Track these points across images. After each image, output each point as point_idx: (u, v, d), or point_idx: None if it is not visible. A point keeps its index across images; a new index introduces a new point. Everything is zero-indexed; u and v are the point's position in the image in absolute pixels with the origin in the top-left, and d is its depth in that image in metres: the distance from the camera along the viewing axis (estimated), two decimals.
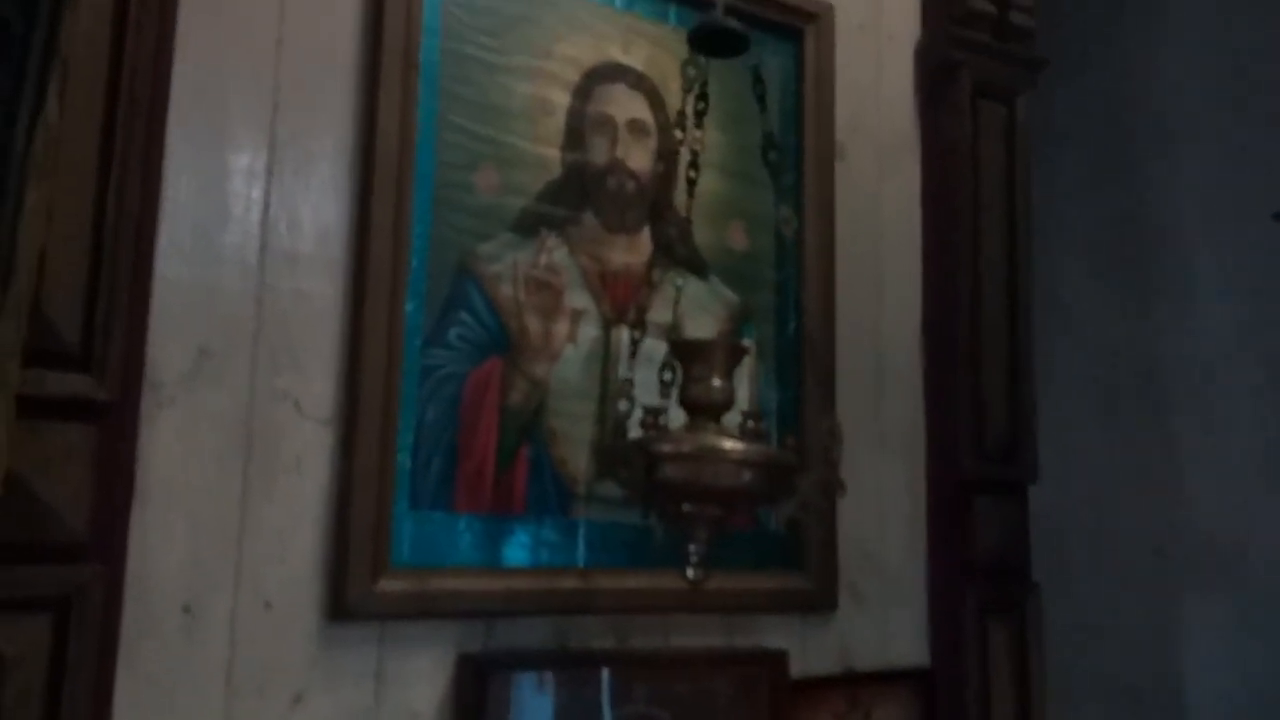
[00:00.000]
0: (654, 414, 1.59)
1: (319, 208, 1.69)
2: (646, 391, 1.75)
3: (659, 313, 1.94)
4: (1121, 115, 2.81)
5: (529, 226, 1.88)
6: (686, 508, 1.54)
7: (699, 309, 2.04)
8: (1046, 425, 2.43)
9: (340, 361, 1.67)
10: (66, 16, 1.25)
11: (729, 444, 1.51)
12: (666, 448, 1.51)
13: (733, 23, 1.65)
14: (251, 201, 1.63)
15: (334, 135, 1.71)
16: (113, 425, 1.44)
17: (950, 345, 2.31)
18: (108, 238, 1.42)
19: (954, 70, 2.33)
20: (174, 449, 1.52)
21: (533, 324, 1.86)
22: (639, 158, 2.01)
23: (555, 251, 1.90)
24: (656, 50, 2.04)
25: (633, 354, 1.67)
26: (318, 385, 1.65)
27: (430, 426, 1.74)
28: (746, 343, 2.08)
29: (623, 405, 1.62)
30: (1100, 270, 2.76)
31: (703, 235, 2.03)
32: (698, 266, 2.05)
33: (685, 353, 1.62)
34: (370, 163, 1.70)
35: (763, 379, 2.10)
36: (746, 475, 1.51)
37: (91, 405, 1.40)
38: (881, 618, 2.21)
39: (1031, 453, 2.36)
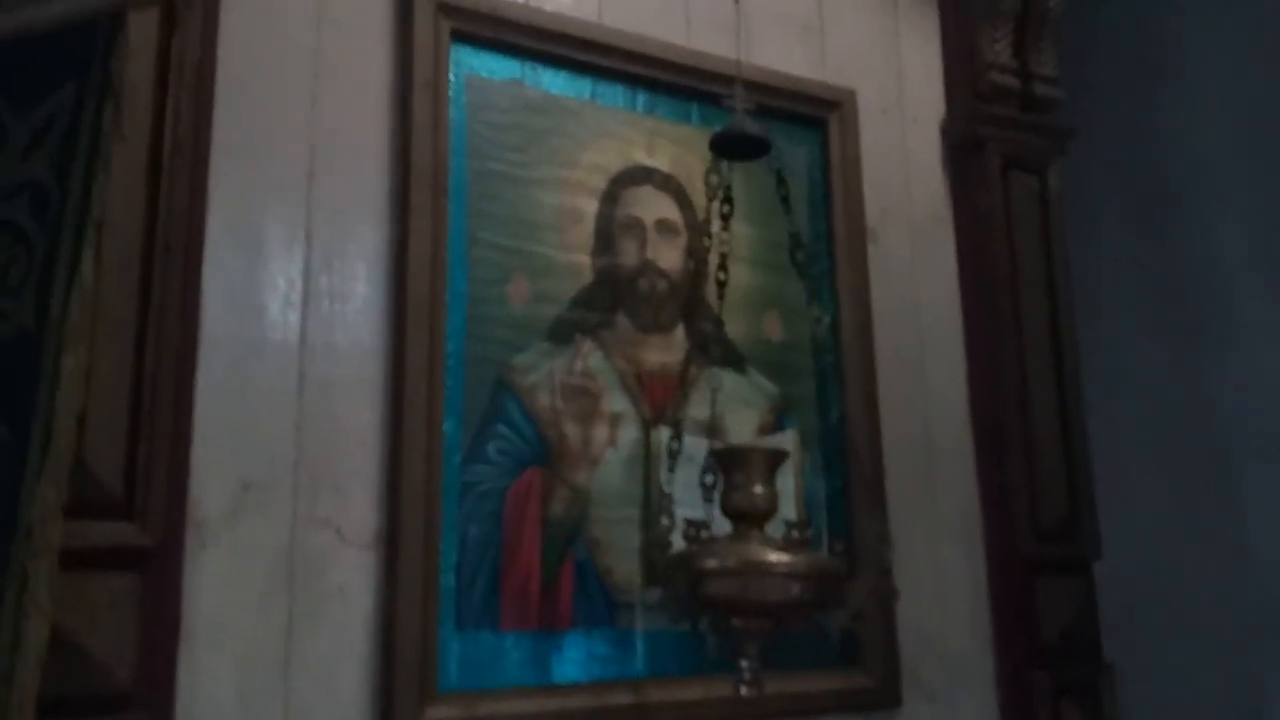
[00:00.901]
0: (697, 526, 1.55)
1: (355, 333, 1.70)
2: (689, 492, 1.72)
3: (699, 409, 1.91)
4: (1155, 171, 2.76)
5: (563, 334, 1.88)
6: (735, 622, 1.49)
7: (739, 403, 2.02)
8: (1107, 494, 2.35)
9: (380, 485, 1.67)
10: (101, 179, 1.28)
11: (775, 556, 1.47)
12: (711, 563, 1.47)
13: (753, 127, 1.65)
14: (288, 331, 1.65)
15: (366, 261, 1.73)
16: (157, 571, 1.44)
17: (999, 423, 2.25)
18: (147, 384, 1.44)
19: (981, 146, 2.31)
20: (218, 588, 1.52)
21: (571, 431, 1.85)
22: (669, 257, 2.01)
23: (590, 356, 1.90)
24: (681, 150, 2.05)
25: (671, 467, 1.65)
26: (359, 510, 1.65)
27: (473, 544, 1.72)
28: (788, 434, 2.05)
29: (664, 521, 1.59)
30: (1152, 328, 2.69)
31: (738, 328, 2.02)
32: (734, 360, 2.03)
33: (725, 460, 1.59)
34: (403, 286, 1.72)
35: (807, 469, 2.06)
36: (795, 588, 1.47)
37: (135, 552, 1.41)
38: (949, 712, 2.12)
39: (1093, 528, 2.28)
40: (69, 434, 1.23)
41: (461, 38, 1.85)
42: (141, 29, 1.49)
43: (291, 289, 1.67)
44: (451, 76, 1.83)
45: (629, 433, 1.90)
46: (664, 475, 1.68)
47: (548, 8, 1.95)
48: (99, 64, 1.32)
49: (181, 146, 1.52)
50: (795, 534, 1.49)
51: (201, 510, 1.53)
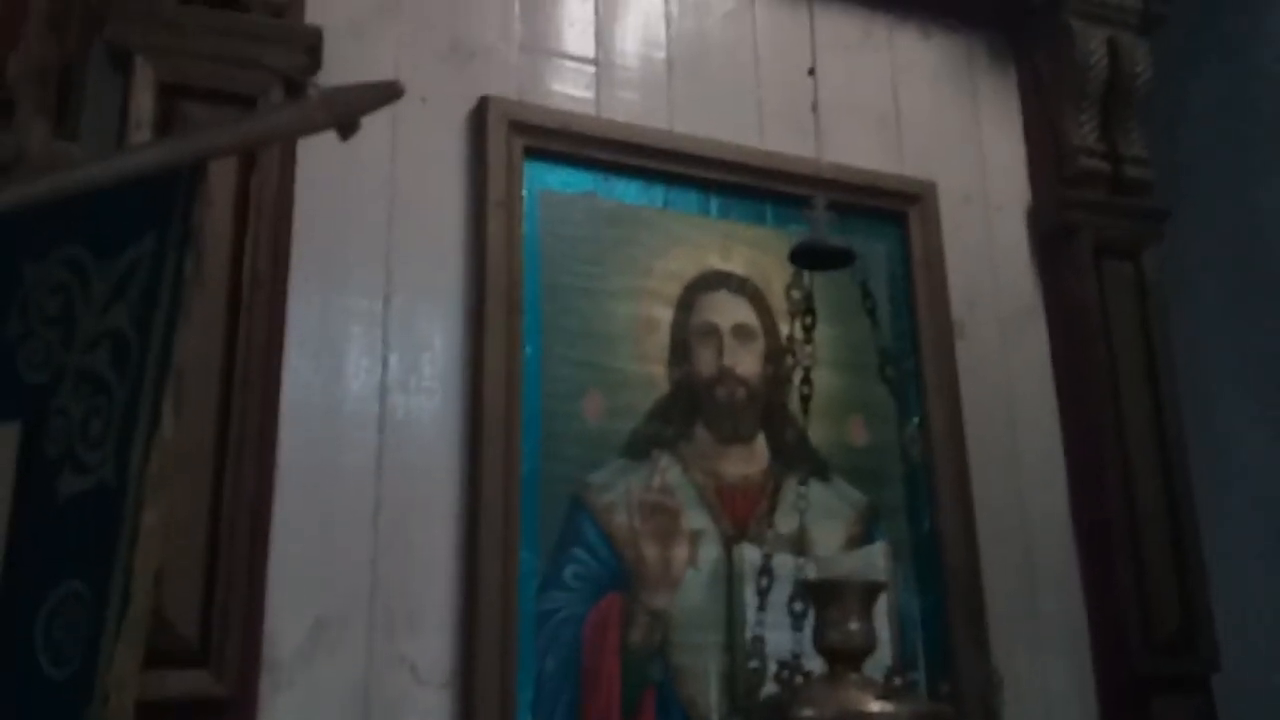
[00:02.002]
0: (790, 669, 1.47)
1: (430, 455, 1.68)
2: (775, 613, 1.64)
3: (783, 522, 1.83)
4: (1260, 250, 2.61)
5: (640, 449, 1.83)
6: None
7: (824, 514, 1.93)
8: (1223, 600, 2.18)
9: (456, 617, 1.62)
10: (182, 330, 1.27)
11: (876, 706, 1.37)
12: (808, 713, 1.38)
13: (835, 239, 1.59)
14: (365, 456, 1.63)
15: (442, 381, 1.71)
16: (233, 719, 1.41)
17: (1104, 526, 2.12)
18: (224, 526, 1.42)
19: (1072, 233, 2.21)
20: None
21: (650, 552, 1.79)
22: (747, 363, 1.95)
23: (669, 471, 1.84)
24: (756, 252, 2.01)
25: (761, 605, 1.57)
26: (434, 647, 1.60)
27: (550, 679, 1.66)
28: (878, 546, 1.95)
29: (755, 664, 1.50)
30: (1264, 419, 2.52)
31: (821, 434, 1.94)
32: (819, 469, 1.95)
33: (818, 593, 1.51)
34: (478, 407, 1.69)
35: (900, 585, 1.95)
36: None
37: (212, 703, 1.38)
38: None
39: (1209, 640, 2.11)
40: (147, 594, 1.21)
41: (534, 154, 1.84)
42: (221, 168, 1.51)
43: (368, 414, 1.65)
44: (525, 193, 1.82)
45: (710, 551, 1.83)
46: (751, 615, 1.60)
47: (618, 118, 1.94)
48: (180, 214, 1.32)
49: (260, 281, 1.53)
50: (898, 680, 1.40)
51: (277, 650, 1.50)
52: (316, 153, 1.68)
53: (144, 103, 1.54)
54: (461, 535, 1.66)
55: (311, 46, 1.65)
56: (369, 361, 1.67)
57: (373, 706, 1.54)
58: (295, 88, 1.64)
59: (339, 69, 1.68)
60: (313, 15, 1.72)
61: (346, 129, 1.26)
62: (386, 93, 1.23)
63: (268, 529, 1.52)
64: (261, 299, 1.54)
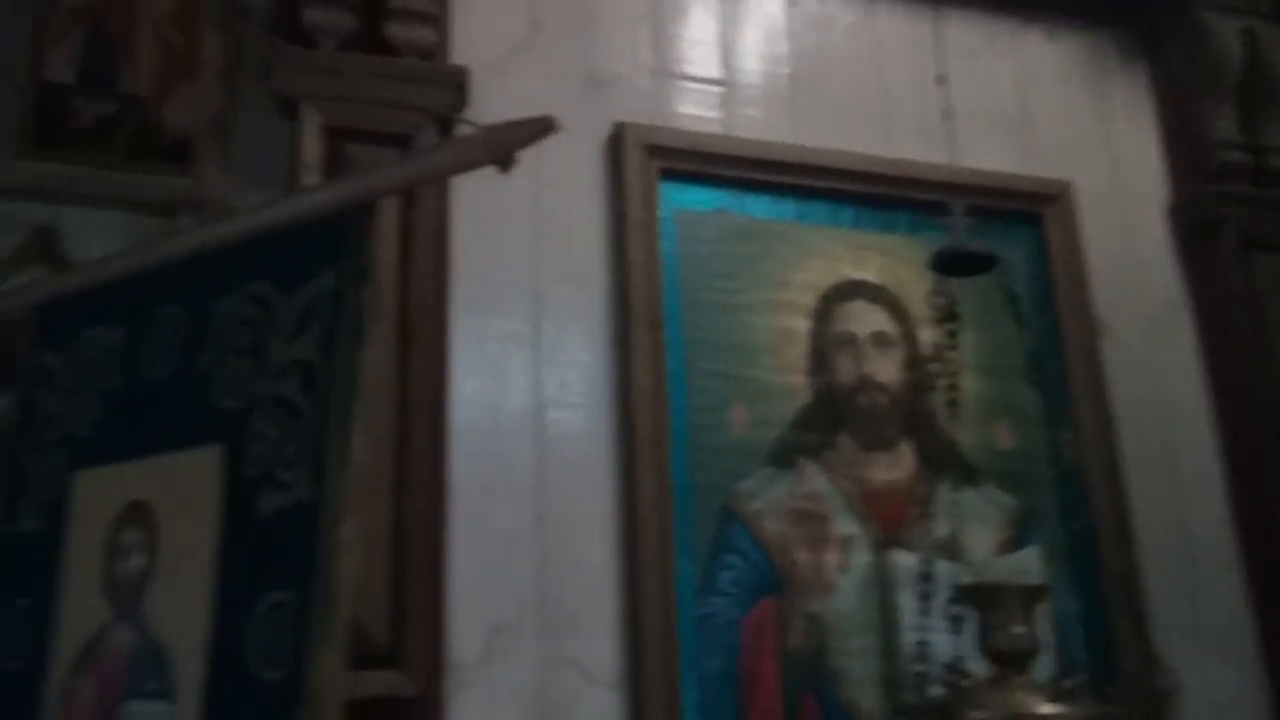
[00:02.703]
0: (956, 672, 1.46)
1: (585, 470, 1.74)
2: (930, 616, 1.64)
3: (933, 526, 1.83)
4: None
5: (785, 457, 1.85)
6: None
7: (974, 520, 1.91)
8: None
9: (619, 622, 1.67)
10: (364, 357, 1.36)
11: (1047, 709, 1.36)
12: (977, 716, 1.38)
13: (977, 245, 1.60)
14: (524, 472, 1.70)
15: (592, 396, 1.77)
16: (423, 717, 1.48)
17: (1267, 519, 2.03)
18: (406, 541, 1.50)
19: (1217, 227, 2.15)
20: None
21: (802, 557, 1.80)
22: (887, 370, 1.96)
23: (815, 479, 1.86)
24: (890, 260, 2.02)
25: (924, 611, 1.57)
26: (601, 649, 1.65)
27: (712, 682, 1.69)
28: (1030, 550, 1.92)
29: (919, 668, 1.51)
30: None
31: (967, 438, 1.93)
32: (967, 474, 1.93)
33: (979, 597, 1.50)
34: (629, 423, 1.75)
35: (1056, 588, 1.91)
36: None
37: (403, 701, 1.46)
38: None
39: None
40: (349, 601, 1.30)
41: (668, 175, 1.90)
42: (386, 204, 1.61)
43: (525, 431, 1.72)
44: (661, 213, 1.88)
45: (861, 556, 1.84)
46: (913, 617, 1.61)
47: (747, 135, 1.99)
48: (354, 249, 1.41)
49: (425, 310, 1.62)
50: (1067, 683, 1.38)
51: (458, 653, 1.57)
52: (467, 184, 1.77)
53: (311, 146, 1.65)
54: (620, 543, 1.71)
55: (459, 85, 1.75)
56: (524, 381, 1.75)
57: (548, 705, 1.60)
58: (445, 125, 1.75)
59: (483, 104, 1.78)
60: (457, 56, 1.83)
61: (505, 163, 1.34)
62: (541, 128, 1.30)
63: (442, 540, 1.60)
64: (427, 327, 1.64)
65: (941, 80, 1.78)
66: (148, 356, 1.58)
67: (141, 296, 1.60)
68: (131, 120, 5.23)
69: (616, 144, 1.89)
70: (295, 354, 1.42)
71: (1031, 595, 1.50)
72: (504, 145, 1.32)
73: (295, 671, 1.28)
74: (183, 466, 1.50)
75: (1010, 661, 1.45)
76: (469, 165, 1.33)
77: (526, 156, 1.83)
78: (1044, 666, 1.59)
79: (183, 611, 1.42)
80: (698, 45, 2.02)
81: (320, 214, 1.41)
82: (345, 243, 1.42)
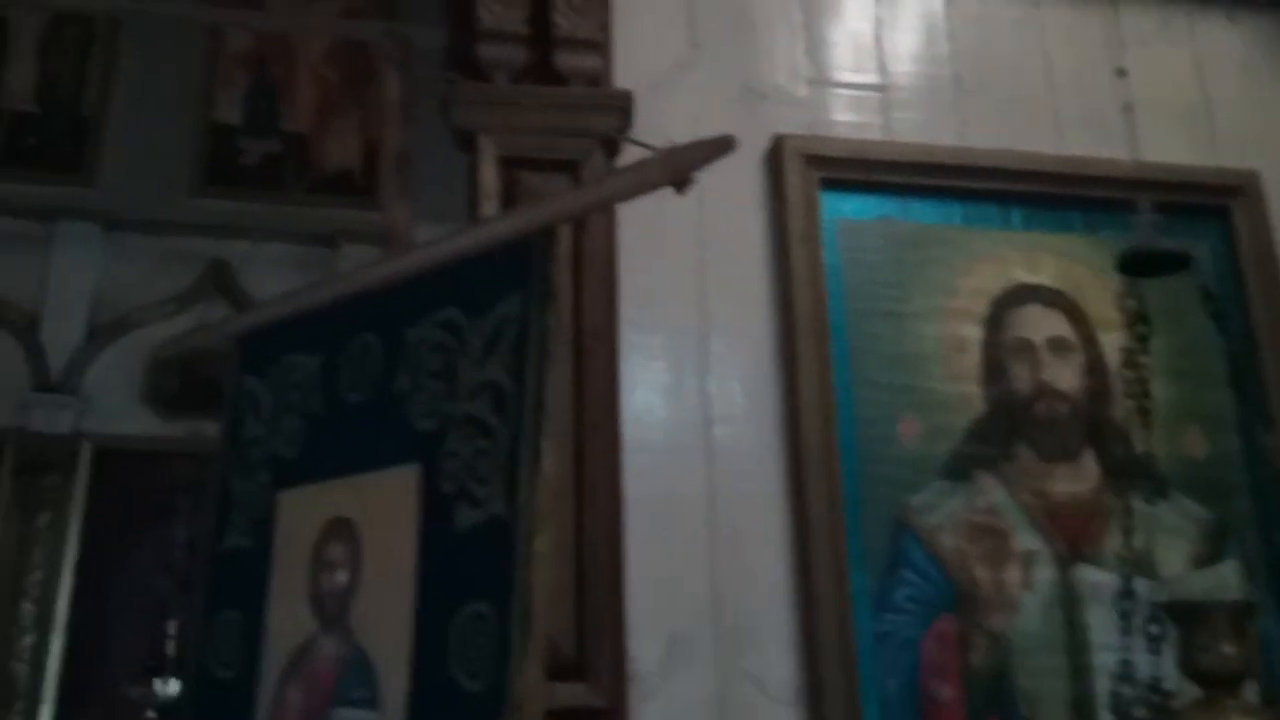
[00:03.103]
0: (1157, 692, 1.39)
1: (755, 482, 1.74)
2: (1107, 633, 1.57)
3: (1121, 541, 1.75)
4: None
5: (960, 470, 1.81)
6: None
7: (1166, 533, 1.82)
8: None
9: (795, 636, 1.67)
10: (551, 377, 1.41)
11: None
12: None
13: (1168, 243, 1.52)
14: (695, 484, 1.72)
15: (760, 410, 1.78)
16: None
17: None
18: (588, 550, 1.55)
19: None
20: None
21: (982, 574, 1.75)
22: (1066, 377, 1.89)
23: (993, 492, 1.80)
24: (1065, 262, 1.94)
25: (1126, 629, 1.50)
26: (778, 664, 1.65)
27: (893, 700, 1.66)
28: (1228, 565, 1.81)
29: (1122, 689, 1.44)
30: None
31: (1156, 447, 1.83)
32: (1156, 484, 1.84)
33: (1183, 617, 1.43)
34: (797, 436, 1.74)
35: (1260, 604, 1.80)
36: None
37: (590, 712, 1.49)
38: None
39: None
40: (544, 613, 1.34)
41: (829, 185, 1.89)
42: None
43: (695, 446, 1.74)
44: (823, 223, 1.87)
45: (1044, 572, 1.77)
46: (1115, 636, 1.54)
47: (909, 140, 1.95)
48: (538, 274, 1.47)
49: (598, 332, 1.66)
50: None
51: (639, 665, 1.60)
52: (632, 206, 1.81)
53: (489, 176, 1.72)
54: (793, 557, 1.70)
55: (624, 109, 1.79)
56: (692, 396, 1.77)
57: (727, 717, 1.60)
58: (612, 148, 1.79)
59: (645, 123, 1.80)
60: (619, 78, 1.87)
61: (682, 185, 1.36)
62: (720, 147, 1.31)
63: (621, 553, 1.63)
64: (599, 348, 1.68)
65: (1122, 73, 1.71)
66: (346, 381, 1.68)
67: (337, 325, 1.71)
68: (294, 157, 5.57)
69: (775, 156, 1.89)
70: (485, 376, 1.48)
71: (1240, 612, 1.42)
72: (682, 167, 1.34)
73: (495, 682, 1.34)
74: (382, 484, 1.59)
75: (1218, 683, 1.37)
76: (647, 188, 1.36)
77: None
78: (1248, 690, 1.50)
79: (386, 623, 1.50)
80: (855, 51, 2.01)
81: (505, 241, 1.47)
82: (528, 268, 1.47)
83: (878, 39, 2.02)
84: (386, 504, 1.56)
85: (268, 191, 5.26)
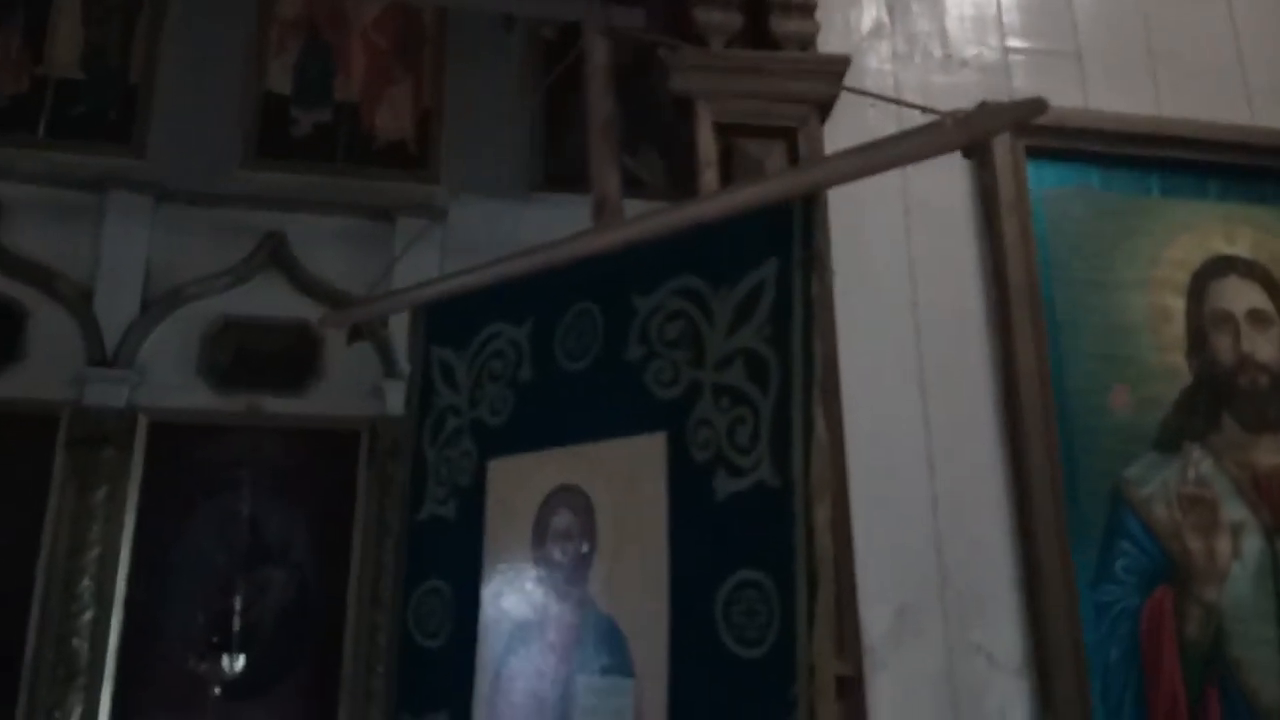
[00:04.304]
0: None
1: (973, 453, 1.73)
2: None
3: None
4: None
5: (1170, 441, 1.80)
6: None
7: None
8: None
9: (1019, 607, 1.66)
10: (819, 343, 1.38)
11: None
12: None
13: None
14: (916, 459, 1.71)
15: (973, 379, 1.76)
16: (855, 696, 1.51)
17: None
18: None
19: None
20: (892, 713, 1.57)
21: (1194, 544, 1.75)
22: (1266, 349, 1.88)
23: (1201, 463, 1.80)
24: (1263, 234, 1.94)
25: None
26: (1004, 635, 1.65)
27: (1114, 669, 1.66)
28: None
29: None
30: None
31: None
32: None
33: None
34: (1014, 405, 1.73)
35: None
36: None
37: (838, 681, 1.48)
38: None
39: None
40: (830, 582, 1.32)
41: (1033, 154, 1.87)
42: None
43: (913, 414, 1.73)
44: (1030, 192, 1.85)
45: (1253, 543, 1.77)
46: None
47: (1107, 109, 1.94)
48: (801, 240, 1.43)
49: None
50: None
51: (870, 636, 1.59)
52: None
53: (708, 142, 1.69)
54: (1014, 526, 1.70)
55: (839, 74, 1.76)
56: (907, 364, 1.75)
57: (957, 688, 1.60)
58: (825, 113, 1.76)
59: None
60: (820, 44, 1.83)
61: (976, 150, 1.33)
62: (1026, 109, 1.28)
63: (849, 524, 1.62)
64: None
65: None
66: (563, 350, 1.64)
67: (546, 295, 1.67)
68: (345, 127, 5.47)
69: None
70: (737, 344, 1.44)
71: None
72: (983, 131, 1.31)
73: (781, 649, 1.32)
74: (618, 452, 1.55)
75: None
76: (940, 151, 1.33)
77: (890, 140, 1.83)
78: None
79: (636, 590, 1.48)
80: (1052, 19, 1.98)
81: (761, 207, 1.43)
82: (788, 234, 1.44)
83: (1072, 7, 1.99)
84: (625, 471, 1.53)
85: (319, 163, 5.18)
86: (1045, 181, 1.88)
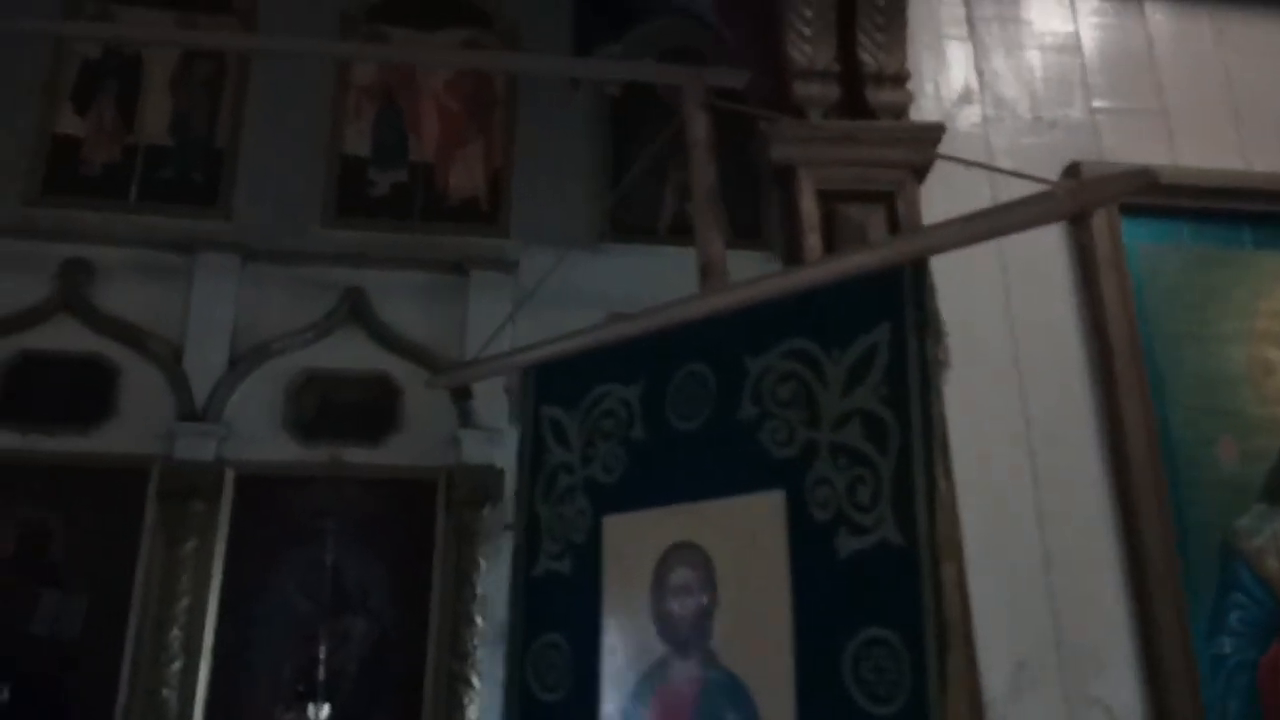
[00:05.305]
0: None
1: (1082, 508, 1.76)
2: None
3: None
4: None
5: (1277, 492, 1.81)
6: None
7: None
8: None
9: (1136, 661, 1.67)
10: (938, 405, 1.42)
11: None
12: None
13: None
14: (1027, 515, 1.74)
15: (1081, 436, 1.79)
16: None
17: None
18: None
19: None
20: None
21: None
22: None
23: None
24: None
25: None
26: (1123, 689, 1.66)
27: None
28: None
29: None
30: None
31: None
32: None
33: None
34: (1122, 460, 1.76)
35: None
36: None
37: None
38: None
39: None
40: (960, 639, 1.35)
41: (1126, 210, 1.91)
42: None
43: (1021, 469, 1.76)
44: (1126, 248, 1.89)
45: None
46: None
47: (1194, 164, 1.97)
48: (913, 303, 1.49)
49: None
50: None
51: (990, 691, 1.61)
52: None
53: (810, 208, 1.76)
54: (1127, 580, 1.71)
55: (934, 140, 1.82)
56: (1013, 422, 1.78)
57: None
58: (921, 178, 1.82)
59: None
60: (912, 111, 1.90)
61: (1083, 219, 1.38)
62: (1138, 180, 1.33)
63: (965, 582, 1.64)
64: None
65: None
66: (673, 410, 1.70)
67: (656, 356, 1.73)
68: (421, 185, 5.67)
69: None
70: (853, 405, 1.49)
71: None
72: (1092, 200, 1.36)
73: (913, 707, 1.35)
74: (737, 511, 1.61)
75: None
76: (1049, 221, 1.38)
77: (988, 199, 1.89)
78: None
79: (760, 646, 1.52)
80: (1135, 78, 2.03)
81: (871, 273, 1.49)
82: (900, 298, 1.49)
83: (1154, 66, 2.04)
84: (743, 528, 1.58)
85: (396, 220, 5.37)
86: (1139, 237, 1.92)
